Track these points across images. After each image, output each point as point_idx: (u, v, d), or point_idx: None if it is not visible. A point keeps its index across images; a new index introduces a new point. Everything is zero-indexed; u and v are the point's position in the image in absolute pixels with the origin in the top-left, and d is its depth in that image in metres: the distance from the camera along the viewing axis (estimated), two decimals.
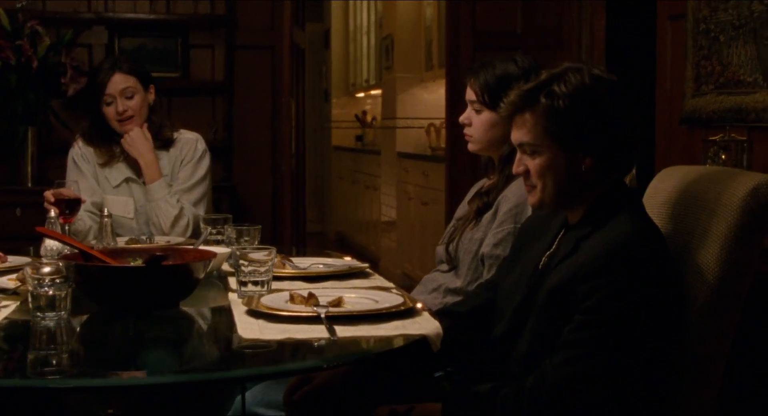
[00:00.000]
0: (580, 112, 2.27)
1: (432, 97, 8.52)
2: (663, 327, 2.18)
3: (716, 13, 3.85)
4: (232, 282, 2.81)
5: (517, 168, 2.38)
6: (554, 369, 2.16)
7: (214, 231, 3.34)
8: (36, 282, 2.27)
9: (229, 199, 5.57)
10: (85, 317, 2.44)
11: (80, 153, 4.04)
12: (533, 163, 2.33)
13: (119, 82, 3.95)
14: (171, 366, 2.16)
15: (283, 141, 5.74)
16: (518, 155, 2.39)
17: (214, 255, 2.58)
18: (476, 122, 3.02)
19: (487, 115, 2.99)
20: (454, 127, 6.05)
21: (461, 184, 6.04)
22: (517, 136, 2.37)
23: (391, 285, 2.78)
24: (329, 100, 12.41)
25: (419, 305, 2.41)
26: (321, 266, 2.98)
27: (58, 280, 2.27)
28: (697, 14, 3.99)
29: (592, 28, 4.97)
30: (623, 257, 2.15)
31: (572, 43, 5.38)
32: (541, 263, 2.41)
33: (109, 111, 3.95)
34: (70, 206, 3.38)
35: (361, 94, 11.83)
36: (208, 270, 2.54)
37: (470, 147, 3.07)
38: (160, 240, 3.57)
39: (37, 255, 3.24)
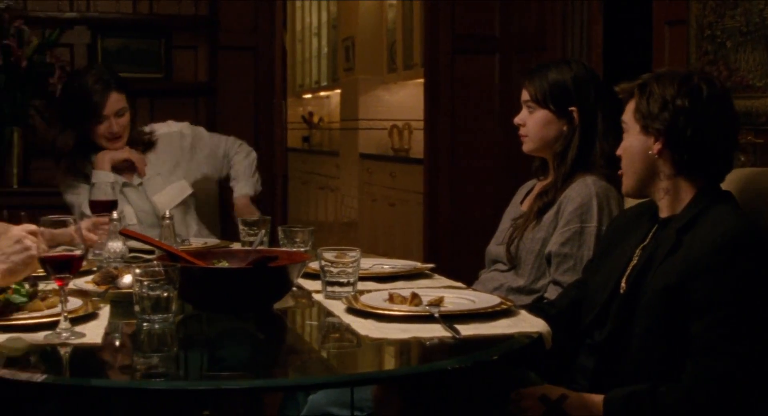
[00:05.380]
0: (669, 101, 2.44)
1: (394, 99, 8.58)
2: None
3: (723, 20, 3.96)
4: (302, 282, 2.83)
5: (618, 150, 2.58)
6: (708, 369, 2.25)
7: (252, 232, 3.35)
8: (141, 284, 2.27)
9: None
10: (179, 317, 2.43)
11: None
12: (622, 146, 2.55)
13: (115, 102, 3.86)
14: (297, 369, 2.18)
15: (275, 142, 5.74)
16: None
17: (308, 257, 2.60)
18: (530, 122, 3.11)
19: (540, 114, 3.10)
20: (433, 129, 6.12)
21: (439, 185, 6.10)
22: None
23: (460, 285, 2.83)
24: None
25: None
26: (386, 267, 3.01)
27: (162, 282, 2.28)
28: (701, 20, 4.10)
29: (588, 33, 5.05)
30: (736, 250, 2.28)
31: (556, 47, 5.46)
32: (635, 256, 2.51)
33: (100, 128, 3.87)
34: (107, 208, 3.36)
35: (308, 95, 11.84)
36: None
37: (525, 147, 3.15)
38: (196, 243, 3.57)
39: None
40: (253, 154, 4.29)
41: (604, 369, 2.46)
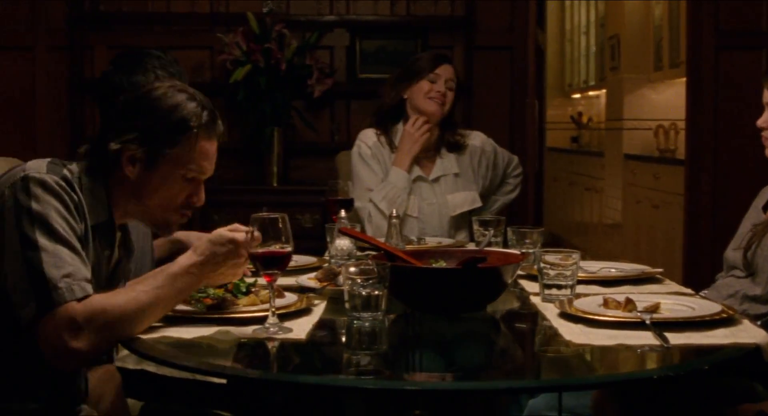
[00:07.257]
0: None
1: (660, 98, 8.33)
2: None
3: None
4: (525, 285, 2.79)
5: None
6: None
7: (486, 232, 3.33)
8: (352, 282, 2.29)
9: None
10: (392, 317, 2.43)
11: (370, 152, 4.03)
12: None
13: (449, 71, 4.05)
14: (503, 370, 2.15)
15: (527, 141, 5.69)
16: None
17: (523, 258, 2.56)
18: None
19: None
20: (695, 128, 5.90)
21: (701, 187, 5.88)
22: None
23: (689, 291, 2.71)
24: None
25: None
26: (613, 270, 2.93)
27: (373, 281, 2.29)
28: None
29: None
30: None
31: None
32: None
33: (425, 85, 3.99)
34: (342, 205, 3.41)
35: (577, 95, 11.70)
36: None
37: None
38: (431, 242, 3.59)
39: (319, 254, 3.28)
40: (515, 194, 4.33)
41: None
